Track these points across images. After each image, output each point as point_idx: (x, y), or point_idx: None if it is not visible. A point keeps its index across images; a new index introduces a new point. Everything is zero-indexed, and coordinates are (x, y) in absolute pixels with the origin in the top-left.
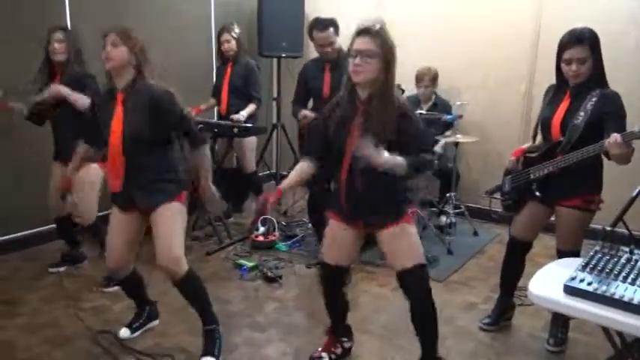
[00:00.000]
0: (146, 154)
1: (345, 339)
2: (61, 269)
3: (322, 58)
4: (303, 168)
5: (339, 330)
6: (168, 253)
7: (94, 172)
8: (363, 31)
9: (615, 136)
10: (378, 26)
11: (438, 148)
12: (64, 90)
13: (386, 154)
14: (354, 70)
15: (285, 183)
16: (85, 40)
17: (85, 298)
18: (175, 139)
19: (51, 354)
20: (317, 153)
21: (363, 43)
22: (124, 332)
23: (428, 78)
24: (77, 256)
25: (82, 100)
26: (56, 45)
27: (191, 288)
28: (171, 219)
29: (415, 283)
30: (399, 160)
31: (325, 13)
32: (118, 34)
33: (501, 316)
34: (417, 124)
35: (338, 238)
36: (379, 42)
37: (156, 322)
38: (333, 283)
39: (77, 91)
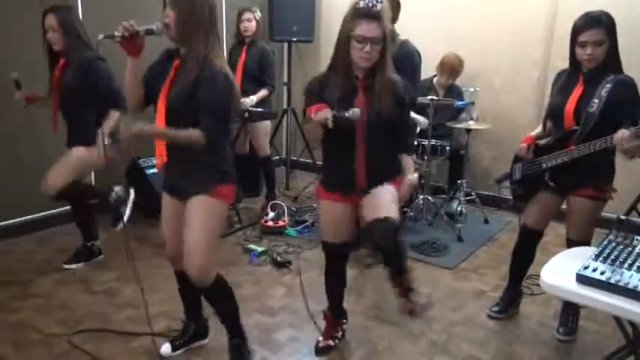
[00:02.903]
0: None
1: (344, 320)
2: (74, 266)
3: None
4: None
5: (338, 311)
6: (192, 259)
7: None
8: (369, 15)
9: (623, 132)
10: (380, 6)
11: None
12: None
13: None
14: (365, 58)
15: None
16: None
17: (97, 281)
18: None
19: (63, 336)
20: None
21: (371, 30)
22: (166, 349)
23: (447, 72)
24: (92, 251)
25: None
26: (50, 34)
27: (217, 297)
28: (205, 219)
29: (384, 230)
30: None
31: None
32: None
33: (510, 305)
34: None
35: (338, 218)
36: (384, 26)
37: (204, 342)
38: (340, 260)
39: (88, 82)
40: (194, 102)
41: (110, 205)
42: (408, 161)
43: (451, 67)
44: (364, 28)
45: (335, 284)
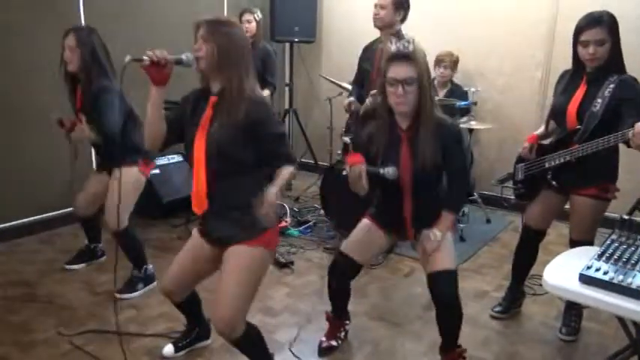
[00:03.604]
0: (234, 173)
1: (347, 321)
2: (77, 267)
3: (374, 42)
4: None
5: (342, 313)
6: (219, 310)
7: (135, 175)
8: (398, 57)
9: (639, 125)
10: (411, 47)
11: None
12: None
13: (439, 235)
14: (399, 102)
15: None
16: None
17: (100, 282)
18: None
19: (66, 337)
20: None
21: (402, 71)
22: (168, 350)
23: (449, 59)
24: (95, 252)
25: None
26: (66, 53)
27: (248, 349)
28: (247, 268)
29: (444, 286)
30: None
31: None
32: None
33: (512, 304)
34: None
35: (369, 241)
36: (417, 65)
37: (207, 342)
38: (346, 275)
39: (97, 112)
40: (243, 139)
41: None
42: (445, 219)
43: (450, 56)
44: (395, 70)
45: (335, 291)
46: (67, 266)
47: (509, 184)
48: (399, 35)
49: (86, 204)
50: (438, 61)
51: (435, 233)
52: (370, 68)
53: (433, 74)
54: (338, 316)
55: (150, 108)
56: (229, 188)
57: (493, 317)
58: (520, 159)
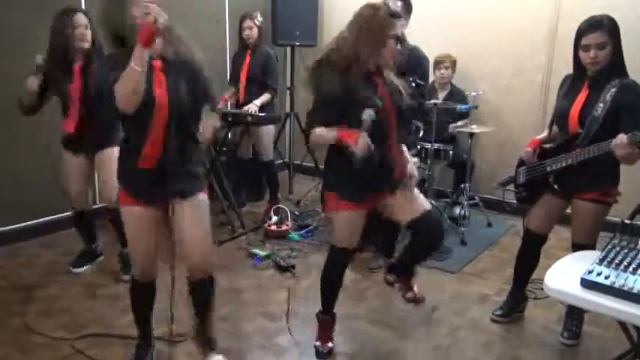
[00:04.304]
0: (187, 126)
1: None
2: (83, 269)
3: None
4: None
5: (332, 309)
6: (203, 251)
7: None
8: (398, 15)
9: (621, 137)
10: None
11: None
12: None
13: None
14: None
15: None
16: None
17: (100, 286)
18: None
19: (67, 340)
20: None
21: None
22: None
23: (449, 60)
24: (95, 252)
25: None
26: (82, 31)
27: (213, 291)
28: (206, 213)
29: (436, 226)
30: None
31: (341, 3)
32: None
33: (513, 309)
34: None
35: (355, 224)
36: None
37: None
38: (347, 263)
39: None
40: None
41: None
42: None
43: (449, 57)
44: (398, 27)
45: (338, 286)
46: (74, 269)
47: (511, 187)
48: (402, 39)
49: (81, 194)
50: (438, 63)
51: (413, 163)
52: None
53: (432, 77)
54: (331, 313)
55: (140, 67)
56: (185, 140)
57: (494, 321)
58: (521, 162)
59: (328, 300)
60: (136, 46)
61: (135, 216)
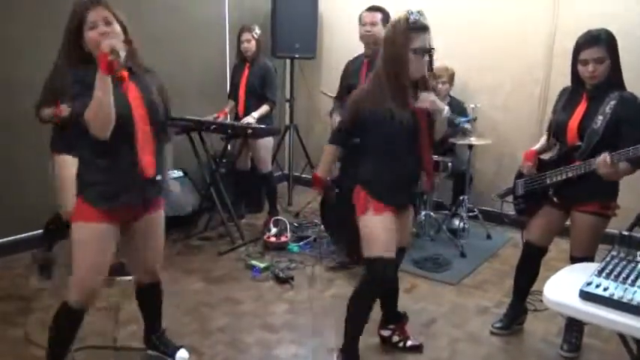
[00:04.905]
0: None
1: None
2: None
3: (363, 54)
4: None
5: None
6: (153, 266)
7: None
8: (423, 28)
9: (604, 156)
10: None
11: None
12: None
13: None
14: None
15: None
16: None
17: (100, 297)
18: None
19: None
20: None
21: (426, 40)
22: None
23: (446, 74)
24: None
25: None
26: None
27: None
28: (162, 229)
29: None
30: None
31: (340, 16)
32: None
33: (513, 321)
34: None
35: (392, 230)
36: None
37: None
38: (392, 277)
39: None
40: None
41: None
42: None
43: (446, 71)
44: (422, 39)
45: (369, 312)
46: (39, 285)
47: (509, 199)
48: (426, 50)
49: None
50: (435, 77)
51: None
52: (357, 82)
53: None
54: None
55: (108, 95)
56: (158, 154)
57: (493, 334)
58: (520, 174)
59: (355, 330)
60: (98, 73)
61: (100, 233)
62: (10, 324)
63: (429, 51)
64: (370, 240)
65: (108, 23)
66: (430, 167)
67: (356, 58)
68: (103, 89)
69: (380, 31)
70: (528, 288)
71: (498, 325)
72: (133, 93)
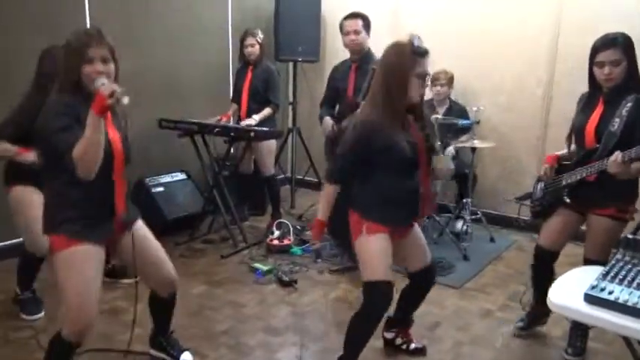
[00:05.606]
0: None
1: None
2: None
3: (349, 59)
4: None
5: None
6: (172, 274)
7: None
8: (425, 54)
9: (616, 154)
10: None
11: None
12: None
13: None
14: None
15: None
16: None
17: (103, 300)
18: None
19: None
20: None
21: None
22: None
23: (444, 77)
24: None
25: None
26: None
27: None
28: (150, 235)
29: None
30: None
31: None
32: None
33: (535, 321)
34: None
35: (389, 249)
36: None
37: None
38: (391, 299)
39: None
40: None
41: None
42: None
43: (445, 74)
44: (425, 64)
45: (371, 334)
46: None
47: (527, 202)
48: (369, 54)
49: None
50: (433, 80)
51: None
52: (346, 86)
53: (430, 94)
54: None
55: (101, 134)
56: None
57: (514, 335)
58: (539, 179)
59: (356, 351)
60: (90, 113)
61: (83, 253)
62: (13, 327)
63: (428, 75)
64: (366, 263)
65: (105, 61)
66: (428, 193)
67: (342, 63)
68: (96, 129)
69: (364, 37)
70: (545, 290)
71: (520, 325)
72: (111, 129)
